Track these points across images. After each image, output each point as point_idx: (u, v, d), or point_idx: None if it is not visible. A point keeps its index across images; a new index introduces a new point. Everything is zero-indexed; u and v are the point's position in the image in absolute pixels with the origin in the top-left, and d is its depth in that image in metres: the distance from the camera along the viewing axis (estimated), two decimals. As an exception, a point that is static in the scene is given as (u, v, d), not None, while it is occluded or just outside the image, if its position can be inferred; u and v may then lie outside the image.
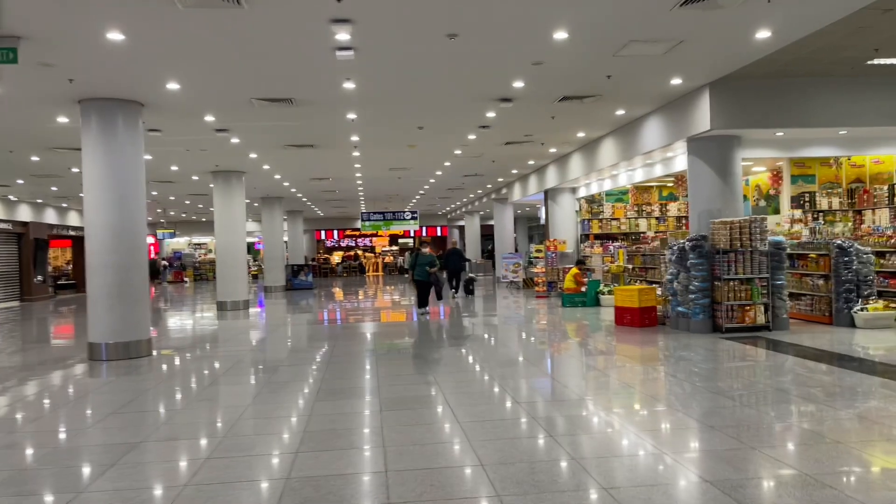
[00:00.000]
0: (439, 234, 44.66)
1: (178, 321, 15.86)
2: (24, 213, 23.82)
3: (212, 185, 18.24)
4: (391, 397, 6.51)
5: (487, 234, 40.33)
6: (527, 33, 7.41)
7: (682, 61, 8.73)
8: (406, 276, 37.88)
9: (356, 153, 15.37)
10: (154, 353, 10.03)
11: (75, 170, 15.83)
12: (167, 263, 41.01)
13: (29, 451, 5.19)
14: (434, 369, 8.07)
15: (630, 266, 16.49)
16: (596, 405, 6.09)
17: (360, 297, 22.00)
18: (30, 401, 7.04)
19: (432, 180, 21.85)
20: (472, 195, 28.36)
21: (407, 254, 41.12)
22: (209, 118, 11.03)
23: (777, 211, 14.01)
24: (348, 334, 11.88)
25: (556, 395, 6.55)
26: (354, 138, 13.48)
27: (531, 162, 18.21)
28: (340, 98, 10.01)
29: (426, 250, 14.99)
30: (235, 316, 16.51)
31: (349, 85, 9.25)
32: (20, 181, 18.23)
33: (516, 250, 28.95)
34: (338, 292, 24.96)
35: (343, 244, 45.36)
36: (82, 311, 14.75)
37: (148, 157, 14.83)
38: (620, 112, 11.79)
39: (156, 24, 6.73)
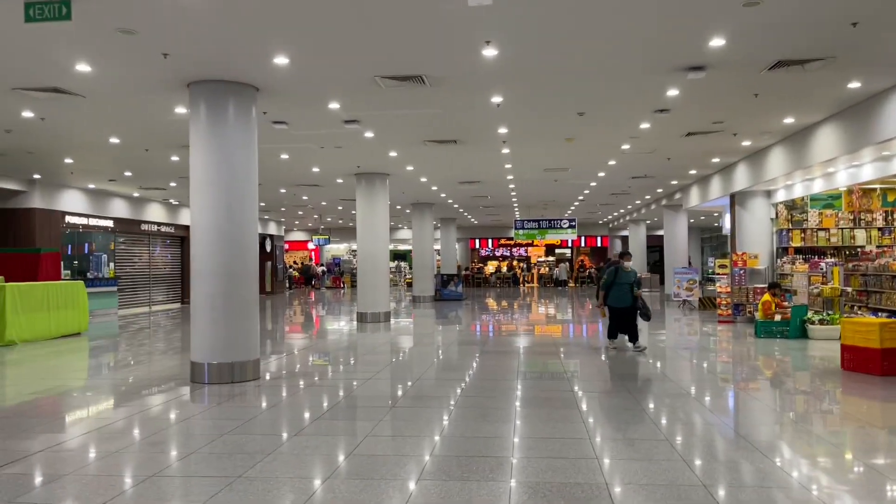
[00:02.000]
0: (599, 244, 41.62)
1: (312, 334, 14.76)
2: (187, 217, 24.38)
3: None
4: (531, 482, 4.40)
5: (653, 246, 36.81)
6: (744, -52, 5.02)
7: (981, -10, 5.85)
8: (576, 285, 35.32)
9: (505, 150, 13.41)
10: (267, 376, 8.66)
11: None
12: (326, 269, 41.67)
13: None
14: (597, 431, 5.84)
15: (848, 289, 13.10)
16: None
17: (513, 313, 19.96)
18: (74, 444, 5.72)
19: (593, 183, 19.37)
20: (638, 201, 25.39)
21: (566, 260, 38.54)
22: (334, 105, 9.56)
23: None
24: (494, 362, 9.88)
25: (788, 498, 4.09)
26: (502, 130, 11.51)
27: (716, 159, 15.22)
28: (480, 72, 8.08)
29: (629, 264, 10.94)
30: (375, 329, 15.17)
31: (490, 52, 7.28)
32: (173, 184, 18.24)
33: (690, 264, 25.54)
34: (489, 305, 23.14)
35: (498, 253, 43.68)
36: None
37: (285, 156, 13.87)
38: (854, 85, 8.81)
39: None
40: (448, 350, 11.52)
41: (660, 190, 21.38)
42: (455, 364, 9.88)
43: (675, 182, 19.42)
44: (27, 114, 9.84)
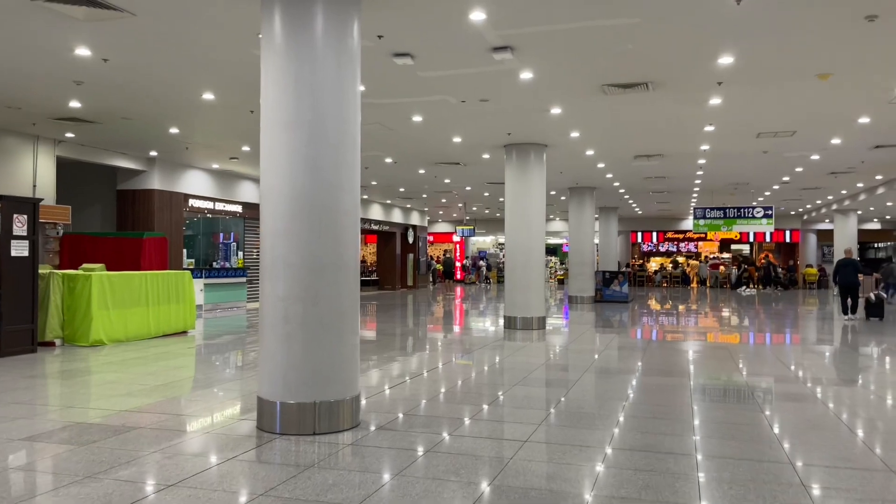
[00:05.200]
0: (788, 239, 35.56)
1: (447, 344, 11.75)
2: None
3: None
4: None
5: (866, 242, 30.57)
6: None
7: None
8: (759, 287, 28.87)
9: (716, 99, 9.60)
10: (373, 421, 5.70)
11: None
12: (472, 263, 39.12)
13: None
14: None
15: None
16: None
17: (701, 319, 15.85)
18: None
19: (815, 157, 14.82)
20: (860, 184, 20.10)
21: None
22: (477, 14, 6.39)
23: None
24: (727, 413, 6.27)
25: None
26: (725, 60, 7.78)
27: None
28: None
29: None
30: (526, 338, 11.97)
31: None
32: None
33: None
34: (666, 309, 19.11)
35: (662, 249, 38.80)
36: (370, 316, 11.79)
37: (417, 117, 10.97)
38: None
39: None
40: (641, 384, 7.96)
41: (904, 166, 16.30)
42: (660, 410, 6.36)
43: (937, 153, 14.41)
44: (82, 51, 7.57)
